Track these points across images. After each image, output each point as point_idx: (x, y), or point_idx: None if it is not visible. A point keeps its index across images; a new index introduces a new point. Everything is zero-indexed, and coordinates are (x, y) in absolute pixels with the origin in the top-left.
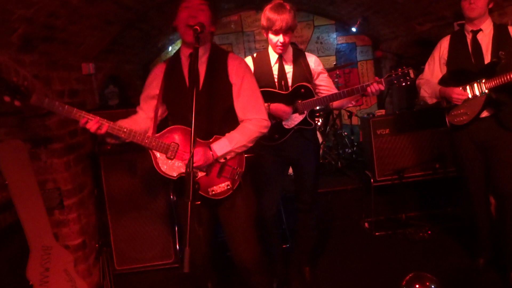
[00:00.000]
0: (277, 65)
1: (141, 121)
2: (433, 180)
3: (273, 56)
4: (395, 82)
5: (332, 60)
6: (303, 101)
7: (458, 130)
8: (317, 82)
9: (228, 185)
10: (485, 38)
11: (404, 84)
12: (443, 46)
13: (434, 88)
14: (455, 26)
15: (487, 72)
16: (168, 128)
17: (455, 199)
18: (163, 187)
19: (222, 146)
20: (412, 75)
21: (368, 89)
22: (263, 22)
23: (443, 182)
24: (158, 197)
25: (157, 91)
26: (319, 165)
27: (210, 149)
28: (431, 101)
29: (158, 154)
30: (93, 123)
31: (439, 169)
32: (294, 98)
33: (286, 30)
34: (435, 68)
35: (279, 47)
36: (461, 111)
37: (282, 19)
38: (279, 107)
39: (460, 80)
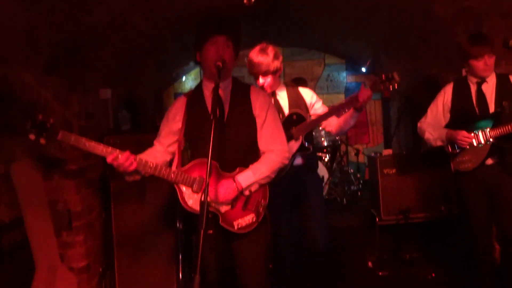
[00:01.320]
0: (272, 99)
1: (158, 155)
2: (438, 221)
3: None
4: (382, 87)
5: (341, 98)
6: (297, 126)
7: (463, 175)
8: (313, 112)
9: (253, 218)
10: (489, 88)
11: (391, 87)
12: (447, 93)
13: (440, 131)
14: (463, 72)
15: (491, 121)
16: (193, 161)
17: (460, 241)
18: (170, 215)
19: (247, 177)
20: (397, 78)
21: (360, 97)
22: (247, 65)
23: (447, 223)
24: (164, 224)
25: (179, 125)
26: (324, 199)
27: (234, 180)
28: (435, 143)
29: (183, 188)
30: (123, 159)
31: (444, 211)
32: (287, 126)
33: (265, 73)
34: (438, 114)
35: (265, 89)
36: (466, 158)
37: (260, 63)
38: None
39: (464, 127)
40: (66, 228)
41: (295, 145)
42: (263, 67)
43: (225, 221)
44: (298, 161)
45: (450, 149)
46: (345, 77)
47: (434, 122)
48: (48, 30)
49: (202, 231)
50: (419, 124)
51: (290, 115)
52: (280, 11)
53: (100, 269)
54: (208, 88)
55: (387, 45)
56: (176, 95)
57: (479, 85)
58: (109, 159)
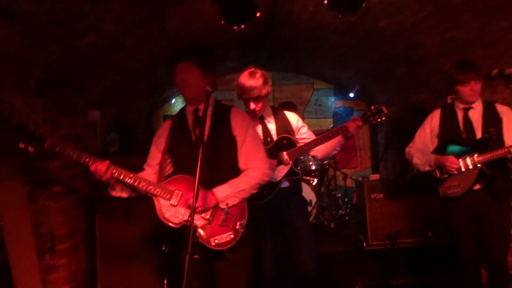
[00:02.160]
0: (260, 126)
1: (147, 177)
2: (426, 247)
3: (255, 117)
4: (371, 119)
5: (330, 123)
6: (287, 152)
7: (451, 201)
8: (298, 136)
9: (231, 235)
10: (476, 115)
11: (379, 120)
12: (435, 119)
13: (428, 156)
14: (448, 99)
15: (479, 146)
16: (173, 177)
17: (447, 266)
18: (155, 238)
19: (223, 190)
20: (385, 111)
21: (350, 128)
22: (236, 88)
23: (435, 249)
24: (149, 248)
25: (163, 145)
26: (310, 222)
27: (212, 192)
28: (423, 168)
29: (162, 201)
30: (102, 166)
31: (432, 237)
32: (277, 150)
33: (257, 98)
34: (425, 139)
35: (252, 113)
36: (455, 183)
37: (250, 88)
38: None
39: (452, 153)
40: (49, 252)
41: (284, 169)
42: (255, 91)
43: (201, 237)
44: (285, 184)
45: (438, 174)
46: (333, 102)
47: (422, 147)
48: (39, 53)
49: (187, 256)
50: (407, 149)
51: (280, 139)
52: (271, 37)
53: None
54: (189, 110)
55: (375, 72)
56: (166, 117)
57: (465, 111)
58: (92, 167)
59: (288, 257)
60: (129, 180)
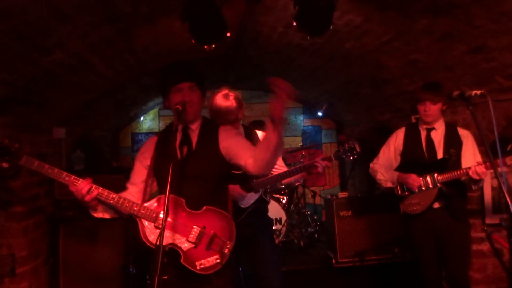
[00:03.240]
0: (240, 131)
1: (131, 196)
2: (393, 263)
3: None
4: (344, 156)
5: (299, 141)
6: (258, 180)
7: (412, 218)
8: None
9: (217, 259)
10: (438, 136)
11: (351, 157)
12: (399, 137)
13: (391, 174)
14: (412, 118)
15: (439, 166)
16: (157, 196)
17: (415, 282)
18: (122, 258)
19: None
20: (358, 149)
21: (319, 168)
22: (210, 110)
23: (402, 266)
24: (116, 268)
25: (148, 162)
26: (274, 242)
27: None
28: (386, 184)
29: (146, 223)
30: (84, 185)
31: (398, 253)
32: (248, 177)
33: (234, 121)
34: (389, 156)
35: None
36: (415, 201)
37: (227, 112)
38: (235, 189)
39: (413, 171)
40: (9, 275)
41: (254, 196)
42: (232, 116)
43: (186, 260)
44: (252, 207)
45: (400, 191)
46: (302, 121)
47: (386, 163)
48: (2, 70)
49: (156, 276)
50: (371, 165)
51: None
52: (240, 57)
53: None
54: (178, 129)
55: (342, 92)
56: (134, 134)
57: (428, 131)
58: (72, 188)
59: (254, 276)
60: (111, 201)
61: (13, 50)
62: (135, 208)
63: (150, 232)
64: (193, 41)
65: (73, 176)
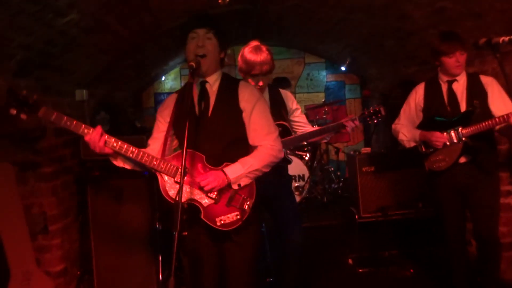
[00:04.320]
0: (261, 95)
1: (152, 152)
2: (417, 219)
3: None
4: (368, 119)
5: (321, 97)
6: (284, 139)
7: (437, 175)
8: (291, 118)
9: (237, 215)
10: (460, 87)
11: (376, 121)
12: (419, 93)
13: (413, 132)
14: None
15: (463, 120)
16: (177, 151)
17: (437, 238)
18: (149, 216)
19: (235, 170)
20: (383, 112)
21: (348, 128)
22: (242, 64)
23: (426, 221)
24: (143, 226)
25: (168, 119)
26: (294, 198)
27: (224, 172)
28: (409, 144)
29: (166, 177)
30: (97, 137)
31: (422, 208)
32: None
33: (265, 74)
34: (411, 114)
35: (259, 88)
36: (440, 157)
37: (261, 62)
38: None
39: (437, 127)
40: (42, 232)
41: (283, 153)
42: (266, 67)
43: (207, 216)
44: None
45: (423, 149)
46: (325, 76)
47: (407, 122)
48: (17, 33)
49: (176, 233)
50: (393, 126)
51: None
52: (258, 12)
53: (78, 273)
54: (196, 82)
55: (365, 46)
56: (156, 95)
57: (449, 84)
58: (86, 138)
59: (275, 232)
60: (131, 155)
61: (26, 13)
62: (155, 162)
63: (170, 187)
64: None
65: (91, 128)
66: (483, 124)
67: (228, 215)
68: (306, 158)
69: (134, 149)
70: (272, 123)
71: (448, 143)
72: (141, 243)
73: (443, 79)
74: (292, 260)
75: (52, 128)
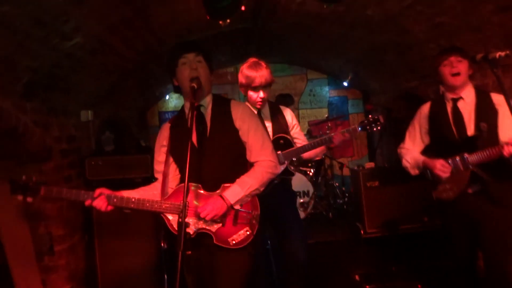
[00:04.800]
0: (253, 111)
1: (158, 187)
2: (423, 232)
3: (261, 107)
4: (368, 127)
5: (324, 112)
6: (283, 152)
7: (445, 205)
8: (291, 134)
9: (247, 231)
10: (467, 107)
11: (375, 129)
12: (423, 113)
13: (416, 159)
14: (440, 87)
15: (470, 144)
16: (175, 188)
17: (444, 252)
18: (154, 235)
19: (234, 192)
20: (382, 120)
21: (335, 140)
22: (242, 80)
23: (432, 235)
24: (148, 245)
25: (165, 149)
26: (298, 213)
27: (222, 197)
28: (413, 171)
29: (170, 217)
30: (100, 203)
31: (428, 222)
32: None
33: (265, 86)
34: (416, 137)
35: (259, 103)
36: (447, 186)
37: (260, 76)
38: None
39: (443, 151)
40: (48, 253)
41: (279, 168)
42: (266, 79)
43: (219, 240)
44: (276, 179)
45: (430, 176)
46: (327, 92)
47: (412, 146)
48: (24, 56)
49: (180, 252)
50: (398, 150)
51: (277, 139)
52: (260, 30)
53: None
54: (187, 107)
55: (366, 60)
56: (161, 113)
57: (454, 102)
58: (87, 204)
59: (280, 249)
60: (132, 205)
61: (33, 36)
62: (156, 206)
63: (176, 224)
64: (208, 17)
65: (90, 192)
66: (490, 151)
67: (239, 233)
68: (311, 173)
69: (134, 199)
70: (267, 137)
71: (454, 172)
72: (147, 262)
73: (448, 97)
74: (297, 278)
75: (58, 149)
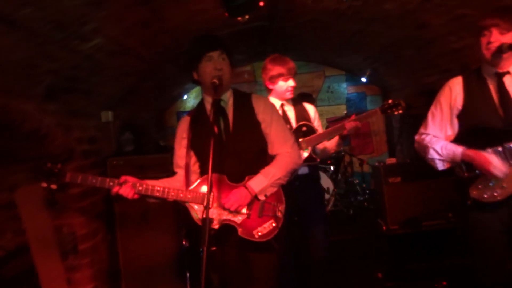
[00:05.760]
0: (280, 111)
1: (181, 179)
2: (447, 229)
3: (276, 103)
4: (389, 111)
5: (343, 109)
6: (305, 138)
7: (483, 208)
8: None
9: (273, 223)
10: None
11: (396, 112)
12: (456, 92)
13: (453, 149)
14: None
15: None
16: (200, 179)
17: (469, 250)
18: (175, 233)
19: (258, 181)
20: (403, 104)
21: (346, 125)
22: (271, 72)
23: (457, 231)
24: (170, 243)
25: (185, 143)
26: (325, 210)
27: (246, 187)
28: (442, 166)
29: (195, 206)
30: (127, 190)
31: (452, 218)
32: (297, 137)
33: (293, 74)
34: (443, 121)
35: (290, 91)
36: (496, 185)
37: (288, 65)
38: None
39: (483, 141)
40: (72, 252)
41: (302, 155)
42: (293, 68)
43: (244, 232)
44: (304, 171)
45: (466, 171)
46: (345, 88)
47: (439, 132)
48: (45, 59)
49: (204, 248)
50: (417, 138)
51: (300, 126)
52: (275, 28)
53: None
54: (210, 102)
55: (384, 56)
56: (178, 113)
57: (499, 78)
58: (113, 192)
59: (300, 243)
60: (157, 194)
61: (53, 39)
62: (181, 195)
63: (201, 214)
64: (226, 14)
65: (116, 180)
66: None
67: (264, 225)
68: (330, 171)
69: (159, 188)
70: (288, 130)
71: (504, 170)
72: (169, 261)
73: (489, 71)
74: (316, 275)
75: (80, 150)
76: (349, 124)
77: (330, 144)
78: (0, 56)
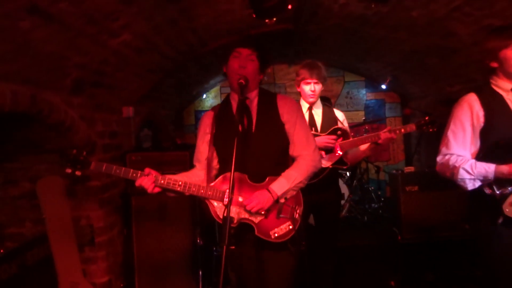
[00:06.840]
0: (307, 113)
1: (199, 173)
2: (463, 240)
3: (304, 106)
4: (424, 128)
5: (361, 115)
6: (341, 142)
7: (508, 226)
8: None
9: (289, 225)
10: None
11: (431, 130)
12: (476, 109)
13: (484, 167)
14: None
15: None
16: (221, 176)
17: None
18: (190, 231)
19: (281, 185)
20: (438, 122)
21: (382, 140)
22: (299, 74)
23: (473, 242)
24: (184, 241)
25: (208, 137)
26: (339, 214)
27: (269, 190)
28: (472, 185)
29: (215, 203)
30: (149, 183)
31: (469, 230)
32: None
33: (318, 80)
34: (466, 139)
35: (311, 95)
36: None
37: (317, 70)
38: (322, 139)
39: (507, 156)
40: (89, 244)
41: (334, 157)
42: (316, 74)
43: (261, 232)
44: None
45: (496, 189)
46: (364, 94)
47: (464, 151)
48: (75, 53)
49: (224, 246)
50: (439, 160)
51: (335, 129)
52: (299, 32)
53: (121, 286)
54: (235, 99)
55: (406, 64)
56: (197, 112)
57: None
58: (137, 183)
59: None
60: (178, 188)
61: (85, 33)
62: (202, 191)
63: (220, 211)
64: (254, 16)
65: (139, 171)
66: None
67: (281, 227)
68: (346, 177)
69: (181, 182)
70: (311, 134)
71: None
72: (183, 258)
73: (505, 87)
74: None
75: (101, 144)
76: (385, 135)
77: (363, 147)
78: (34, 48)
